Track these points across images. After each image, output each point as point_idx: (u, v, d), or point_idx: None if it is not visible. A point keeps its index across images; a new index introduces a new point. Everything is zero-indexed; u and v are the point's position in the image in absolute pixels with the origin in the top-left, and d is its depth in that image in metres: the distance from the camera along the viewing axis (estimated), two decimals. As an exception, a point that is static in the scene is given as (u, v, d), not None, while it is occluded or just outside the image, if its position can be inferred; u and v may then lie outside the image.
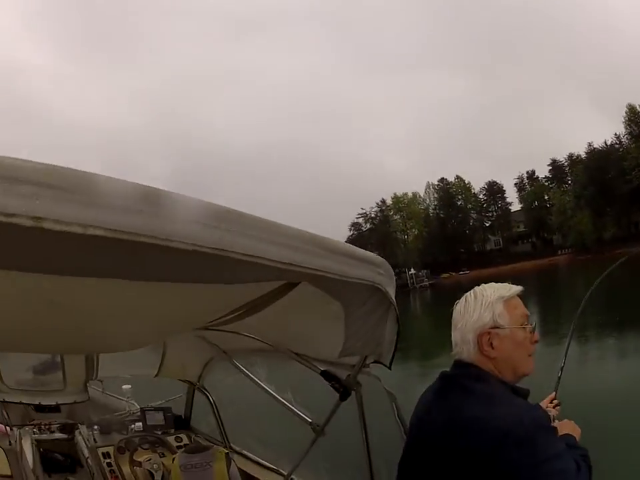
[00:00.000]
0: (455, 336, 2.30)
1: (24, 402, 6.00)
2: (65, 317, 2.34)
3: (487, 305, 2.24)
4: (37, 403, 6.01)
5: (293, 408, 4.18)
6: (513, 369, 2.25)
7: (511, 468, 1.95)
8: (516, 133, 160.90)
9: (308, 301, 2.32)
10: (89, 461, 5.93)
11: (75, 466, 7.28)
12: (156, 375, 5.99)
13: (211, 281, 1.82)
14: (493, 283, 2.37)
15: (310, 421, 3.99)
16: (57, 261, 1.43)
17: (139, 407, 7.20)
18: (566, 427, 2.44)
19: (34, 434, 7.39)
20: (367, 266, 1.96)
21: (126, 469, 5.54)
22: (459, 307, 2.34)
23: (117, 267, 1.53)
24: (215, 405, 6.18)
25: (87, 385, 5.96)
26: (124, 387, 8.16)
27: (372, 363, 3.10)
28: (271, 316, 2.65)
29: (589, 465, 2.19)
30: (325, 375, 3.35)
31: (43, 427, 7.71)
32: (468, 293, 2.36)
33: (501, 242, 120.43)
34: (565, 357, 3.37)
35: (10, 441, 5.34)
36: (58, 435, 7.52)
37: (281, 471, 4.91)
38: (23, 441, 6.08)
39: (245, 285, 2.00)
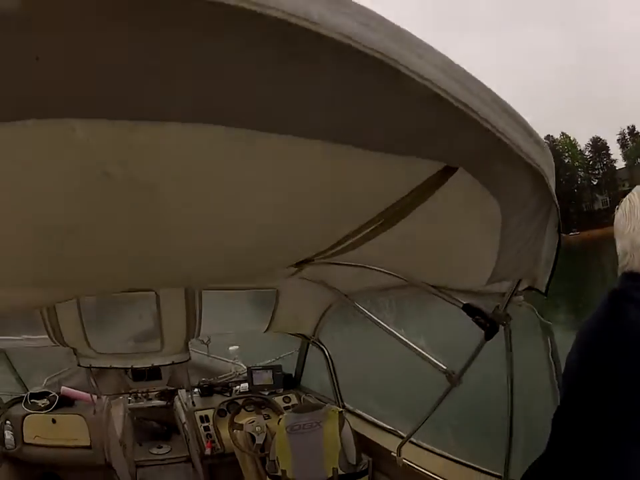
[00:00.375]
0: (623, 244, 1.95)
1: (114, 366, 5.50)
2: (145, 217, 1.73)
3: None
4: (130, 366, 5.59)
5: (424, 354, 3.59)
6: None
7: None
8: (612, 87, 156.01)
9: (459, 202, 1.82)
10: (185, 426, 5.69)
11: (171, 433, 7.16)
12: (266, 330, 5.54)
13: (356, 134, 1.20)
14: None
15: (444, 368, 3.40)
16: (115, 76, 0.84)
17: (246, 368, 6.75)
18: None
19: (129, 402, 7.27)
20: (536, 146, 1.42)
21: (224, 433, 5.24)
22: (622, 210, 1.99)
23: (223, 97, 0.95)
24: (331, 359, 5.64)
25: (189, 344, 5.45)
26: (231, 348, 7.86)
27: (524, 290, 2.55)
28: (410, 231, 2.14)
29: None
30: (468, 308, 2.79)
31: (139, 395, 7.59)
32: (629, 195, 2.03)
33: (608, 201, 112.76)
34: None
35: (95, 410, 5.03)
36: (156, 403, 7.48)
37: (400, 432, 4.35)
38: (114, 409, 5.91)
39: (395, 171, 1.49)
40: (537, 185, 1.57)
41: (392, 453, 4.11)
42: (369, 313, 4.11)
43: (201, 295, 4.86)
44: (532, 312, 2.78)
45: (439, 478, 3.72)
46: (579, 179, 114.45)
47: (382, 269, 3.03)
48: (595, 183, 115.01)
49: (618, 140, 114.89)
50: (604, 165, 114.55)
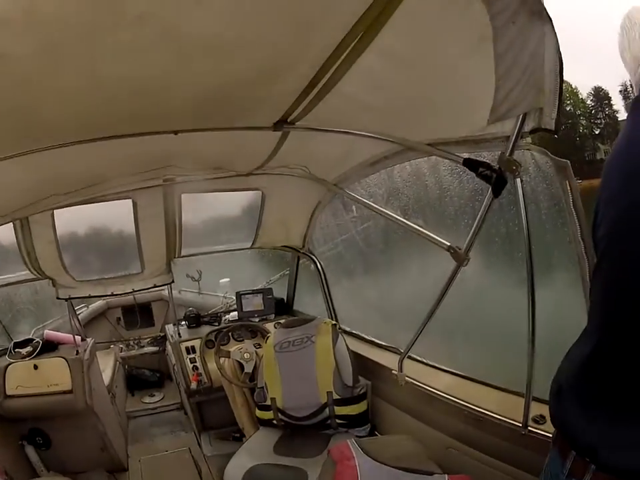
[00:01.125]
0: (634, 53, 1.71)
1: (93, 295, 5.30)
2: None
3: None
4: (109, 293, 5.29)
5: (425, 232, 3.23)
6: None
7: None
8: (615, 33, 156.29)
9: (436, 18, 1.70)
10: (175, 368, 5.43)
11: (163, 381, 7.06)
12: (251, 246, 5.38)
13: None
14: None
15: (448, 244, 3.00)
16: None
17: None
18: None
19: (121, 351, 7.17)
20: None
21: (212, 365, 4.95)
22: (622, 26, 1.75)
23: None
24: (323, 271, 5.38)
25: (171, 263, 5.26)
26: (221, 281, 7.71)
27: (530, 132, 2.19)
28: (392, 49, 1.94)
29: None
30: (469, 162, 2.46)
31: (132, 342, 7.49)
32: (625, 14, 1.77)
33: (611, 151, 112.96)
34: None
35: (77, 351, 4.75)
36: (148, 349, 7.56)
37: (401, 350, 3.96)
38: (105, 358, 5.99)
39: None
40: None
41: (392, 371, 3.80)
42: (360, 198, 3.84)
43: (180, 200, 4.62)
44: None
45: (446, 395, 3.38)
46: (581, 128, 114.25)
47: (371, 134, 2.80)
48: (597, 132, 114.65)
49: (620, 91, 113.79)
50: (606, 114, 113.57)
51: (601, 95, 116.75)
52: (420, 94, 2.34)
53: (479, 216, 2.72)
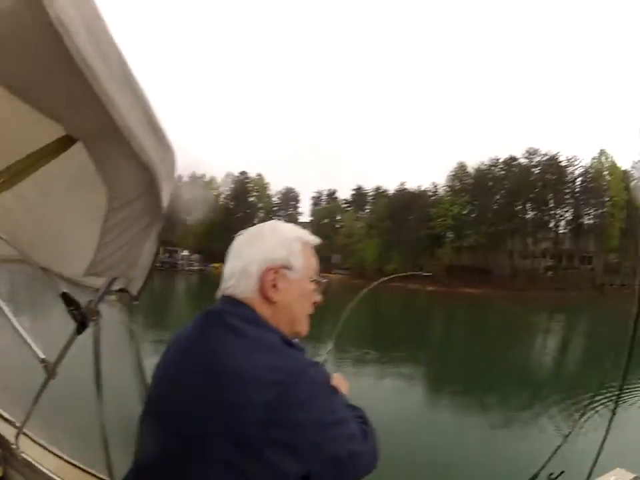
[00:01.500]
0: (233, 266, 1.94)
1: None
2: None
3: (283, 240, 1.95)
4: None
5: (26, 339, 3.39)
6: (291, 322, 1.94)
7: (288, 430, 1.58)
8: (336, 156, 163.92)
9: (72, 179, 1.80)
10: None
11: None
12: None
13: None
14: (290, 224, 2.10)
15: (42, 357, 3.23)
16: None
17: None
18: (336, 382, 1.92)
19: None
20: (158, 147, 1.40)
21: None
22: (245, 237, 2.00)
23: None
24: None
25: None
26: None
27: (119, 291, 2.73)
28: (21, 198, 2.09)
29: (368, 425, 1.91)
30: (65, 297, 2.61)
31: None
32: (260, 225, 2.06)
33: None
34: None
35: None
36: None
37: (17, 423, 4.06)
38: None
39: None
40: (147, 188, 1.55)
41: (12, 445, 3.90)
42: None
43: None
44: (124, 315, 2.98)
45: (55, 477, 3.65)
46: (257, 220, 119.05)
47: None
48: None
49: (312, 197, 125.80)
50: (287, 214, 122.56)
51: (290, 196, 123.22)
52: (41, 233, 2.53)
53: (65, 343, 3.03)
